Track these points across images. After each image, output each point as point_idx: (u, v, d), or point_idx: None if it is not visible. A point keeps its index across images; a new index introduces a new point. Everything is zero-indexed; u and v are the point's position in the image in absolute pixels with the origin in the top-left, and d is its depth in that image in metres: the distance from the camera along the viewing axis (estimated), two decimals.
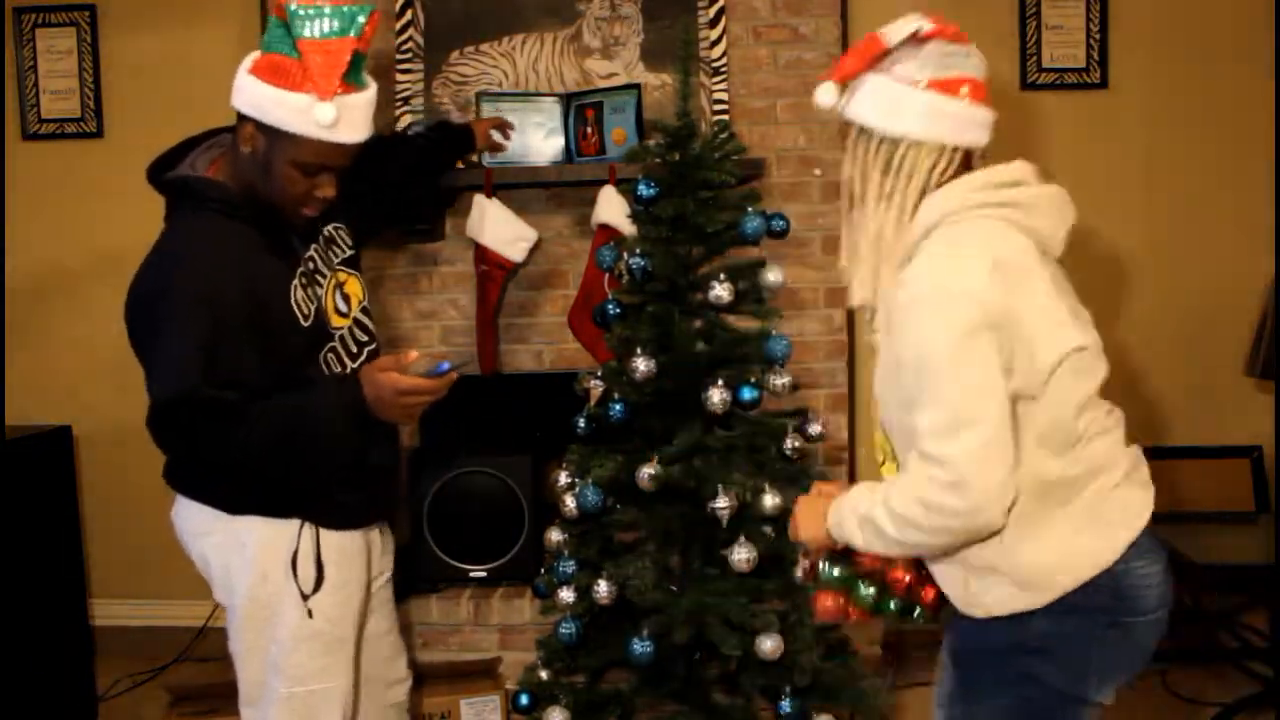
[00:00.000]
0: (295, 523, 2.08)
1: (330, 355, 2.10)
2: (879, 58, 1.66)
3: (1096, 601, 1.63)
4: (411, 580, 3.35)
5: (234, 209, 2.03)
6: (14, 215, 3.84)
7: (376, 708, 2.34)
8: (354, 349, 2.16)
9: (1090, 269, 3.81)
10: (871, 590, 1.79)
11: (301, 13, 1.89)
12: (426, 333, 3.63)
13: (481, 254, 3.40)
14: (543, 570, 2.64)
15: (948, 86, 1.70)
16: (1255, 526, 3.47)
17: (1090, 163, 3.78)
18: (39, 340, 3.93)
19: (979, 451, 1.55)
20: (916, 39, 1.65)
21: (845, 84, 1.68)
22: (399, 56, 3.54)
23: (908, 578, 1.78)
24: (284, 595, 2.08)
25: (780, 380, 2.45)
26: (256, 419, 1.91)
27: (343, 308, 2.16)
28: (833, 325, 3.61)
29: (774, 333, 2.47)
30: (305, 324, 2.04)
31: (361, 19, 1.91)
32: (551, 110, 3.46)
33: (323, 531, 2.11)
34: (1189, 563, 2.89)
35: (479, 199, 3.37)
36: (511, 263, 3.40)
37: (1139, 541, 1.67)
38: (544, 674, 2.58)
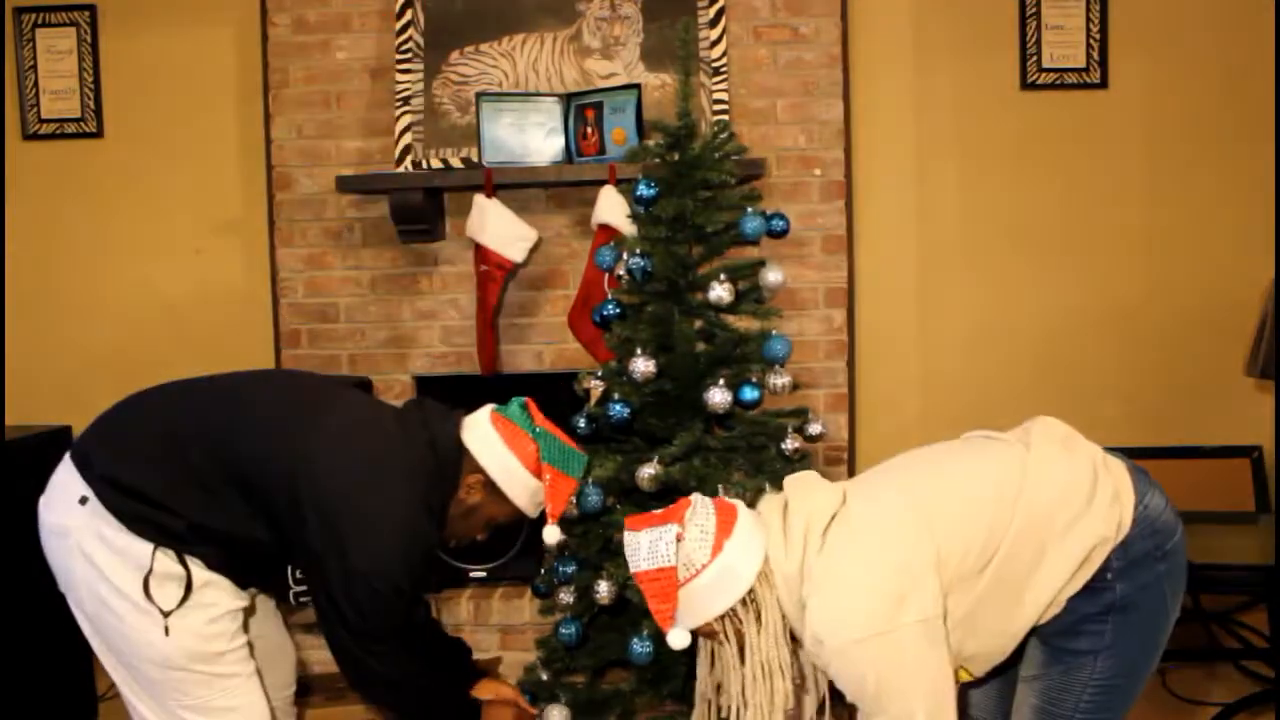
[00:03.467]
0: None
1: None
2: (676, 583, 1.79)
3: (1143, 547, 1.84)
4: None
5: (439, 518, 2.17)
6: (14, 215, 3.84)
7: None
8: None
9: (1090, 269, 3.83)
10: None
11: (552, 442, 2.14)
12: (427, 333, 3.63)
13: (482, 254, 3.40)
14: (543, 570, 2.63)
15: (718, 544, 1.81)
16: (1255, 526, 3.47)
17: (1090, 163, 3.78)
18: (39, 340, 3.93)
19: None
20: (679, 540, 1.79)
21: (675, 619, 1.81)
22: (399, 56, 3.55)
23: None
24: None
25: (780, 380, 2.46)
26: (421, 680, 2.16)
27: None
28: (833, 325, 3.61)
29: (774, 333, 2.47)
30: None
31: (586, 464, 2.22)
32: (551, 110, 3.46)
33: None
34: (1189, 563, 2.88)
35: (479, 199, 3.37)
36: (511, 262, 3.41)
37: (1136, 478, 1.88)
38: (544, 674, 2.58)
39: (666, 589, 1.77)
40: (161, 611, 2.04)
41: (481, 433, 2.14)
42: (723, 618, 1.82)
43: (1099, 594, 1.83)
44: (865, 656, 1.73)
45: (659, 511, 1.85)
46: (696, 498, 1.86)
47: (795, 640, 1.85)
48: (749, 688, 1.82)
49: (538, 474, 2.13)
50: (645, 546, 1.79)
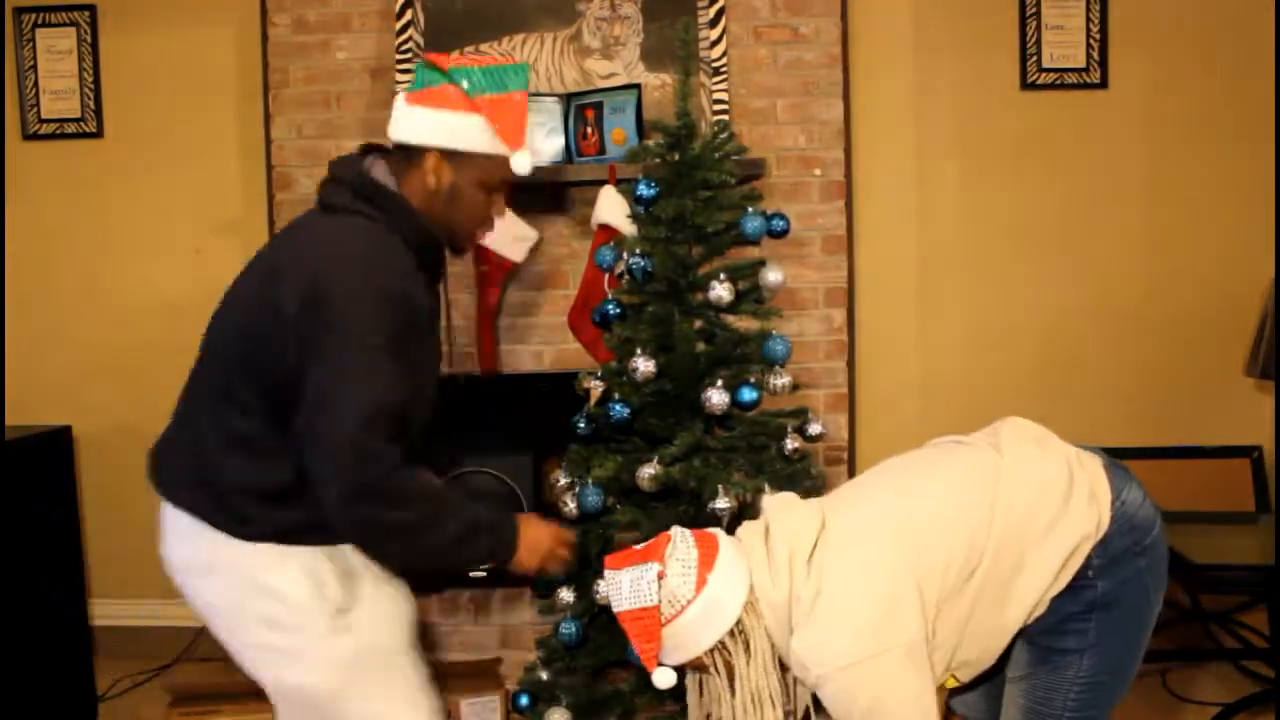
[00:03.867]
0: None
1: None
2: (659, 621, 1.77)
3: (1122, 543, 1.83)
4: (412, 581, 3.35)
5: (417, 240, 1.99)
6: (14, 215, 3.84)
7: None
8: None
9: (1090, 269, 3.83)
10: None
11: (476, 72, 1.97)
12: None
13: (482, 254, 3.40)
14: None
15: (701, 578, 1.79)
16: (1255, 526, 3.47)
17: (1090, 163, 3.78)
18: (39, 340, 3.93)
19: None
20: (661, 578, 1.77)
21: (657, 658, 1.79)
22: (399, 56, 3.54)
23: None
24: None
25: (780, 380, 2.45)
26: (445, 506, 1.89)
27: None
28: (833, 325, 3.61)
29: (774, 333, 2.47)
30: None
31: (528, 74, 2.03)
32: (551, 110, 3.46)
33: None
34: (1189, 563, 2.89)
35: None
36: (511, 262, 3.40)
37: (1113, 474, 1.88)
38: (544, 674, 2.58)
39: (650, 628, 1.76)
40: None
41: (406, 120, 2.00)
42: (711, 650, 1.81)
43: (1081, 592, 1.84)
44: (852, 681, 1.73)
45: (639, 548, 1.83)
46: (676, 531, 1.84)
47: (783, 666, 1.84)
48: (740, 719, 1.82)
49: (476, 110, 1.96)
50: (627, 585, 1.77)
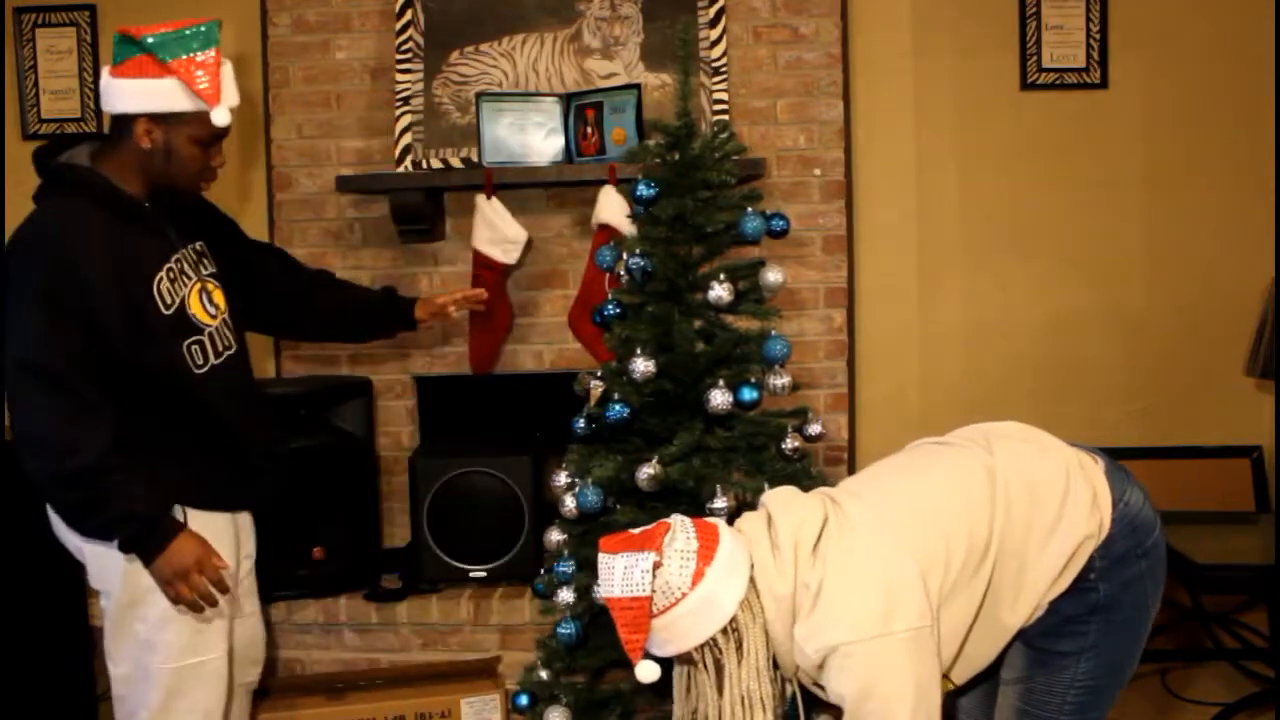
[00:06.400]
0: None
1: (195, 348, 2.24)
2: (649, 613, 1.73)
3: (1124, 546, 1.83)
4: (412, 580, 3.35)
5: (106, 199, 2.19)
6: (14, 215, 3.83)
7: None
8: (220, 348, 2.30)
9: (1090, 269, 3.83)
10: None
11: (166, 38, 2.17)
12: (427, 332, 3.62)
13: (474, 257, 3.40)
14: (543, 570, 2.63)
15: (699, 571, 1.75)
16: (1255, 526, 3.47)
17: (1090, 163, 3.78)
18: None
19: None
20: (657, 568, 1.74)
21: (643, 650, 1.75)
22: (399, 56, 3.54)
23: None
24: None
25: (780, 380, 2.45)
26: (92, 438, 2.05)
27: (210, 310, 2.31)
28: (833, 325, 3.61)
29: (774, 333, 2.47)
30: (166, 312, 2.19)
31: (217, 31, 2.26)
32: (551, 110, 3.46)
33: (190, 511, 2.21)
34: (1189, 563, 2.89)
35: (479, 200, 3.37)
36: (501, 264, 3.40)
37: (1111, 476, 1.87)
38: (544, 674, 2.57)
39: (639, 619, 1.71)
40: None
41: (111, 93, 2.18)
42: (702, 647, 1.77)
43: (1083, 594, 1.83)
44: (851, 661, 1.71)
45: (637, 533, 1.79)
46: (676, 519, 1.80)
47: (778, 666, 1.82)
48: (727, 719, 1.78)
49: (171, 73, 2.15)
50: (620, 572, 1.73)
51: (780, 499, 1.91)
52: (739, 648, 1.76)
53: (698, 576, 1.73)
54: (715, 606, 1.74)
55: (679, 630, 1.74)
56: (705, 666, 1.79)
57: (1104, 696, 1.88)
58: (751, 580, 1.77)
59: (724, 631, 1.76)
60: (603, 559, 1.77)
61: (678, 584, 1.72)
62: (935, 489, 1.85)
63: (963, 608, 1.80)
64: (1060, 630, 1.85)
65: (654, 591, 1.72)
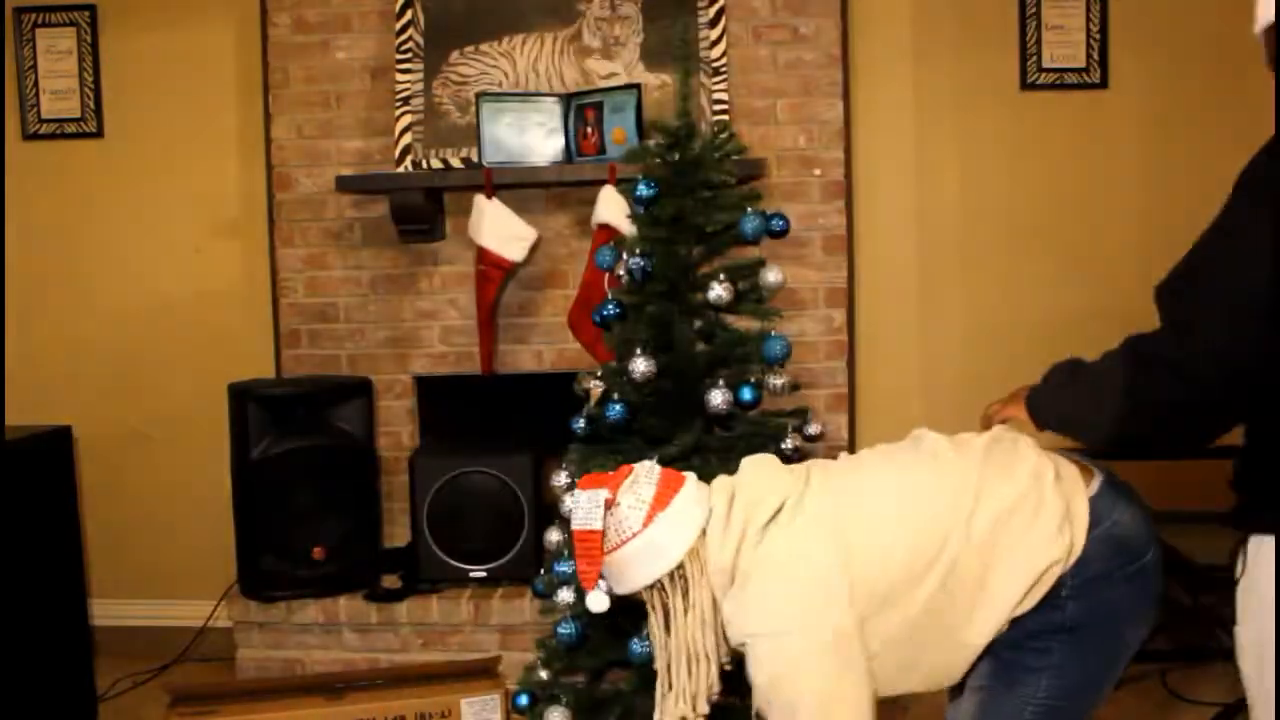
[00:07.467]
0: None
1: None
2: (600, 547, 1.81)
3: (1103, 567, 1.77)
4: (412, 580, 3.35)
5: None
6: (14, 215, 3.84)
7: None
8: None
9: (1090, 269, 3.83)
10: None
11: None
12: (427, 332, 3.63)
13: (481, 253, 3.40)
14: (543, 570, 2.63)
15: (649, 515, 1.81)
16: None
17: (1090, 163, 3.78)
18: (39, 340, 3.93)
19: None
20: (608, 506, 1.81)
21: (595, 582, 1.85)
22: (399, 56, 3.55)
23: None
24: None
25: (780, 380, 2.45)
26: None
27: None
28: (833, 325, 3.61)
29: (774, 333, 2.47)
30: None
31: None
32: (551, 110, 3.46)
33: None
34: (1189, 563, 2.89)
35: (478, 200, 3.38)
36: (510, 262, 3.40)
37: (1102, 496, 1.83)
38: (544, 674, 2.57)
39: (592, 551, 1.81)
40: None
41: None
42: (650, 589, 1.83)
43: (1048, 613, 1.78)
44: (761, 651, 1.74)
45: (611, 473, 1.88)
46: (643, 465, 1.87)
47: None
48: (674, 668, 1.83)
49: None
50: (582, 506, 1.82)
51: (751, 471, 1.92)
52: (685, 596, 1.81)
53: (647, 521, 1.79)
54: (661, 552, 1.79)
55: (626, 569, 1.81)
56: (654, 609, 1.84)
57: (1064, 718, 1.83)
58: (703, 533, 1.82)
59: (670, 578, 1.81)
60: (574, 493, 1.87)
61: (629, 525, 1.79)
62: (902, 496, 1.83)
63: (899, 619, 1.76)
64: (1022, 644, 1.80)
65: (607, 529, 1.80)
